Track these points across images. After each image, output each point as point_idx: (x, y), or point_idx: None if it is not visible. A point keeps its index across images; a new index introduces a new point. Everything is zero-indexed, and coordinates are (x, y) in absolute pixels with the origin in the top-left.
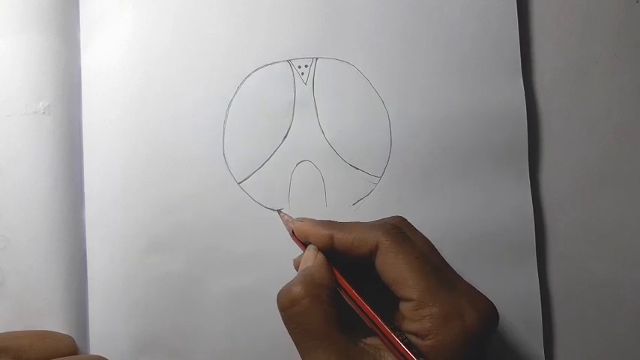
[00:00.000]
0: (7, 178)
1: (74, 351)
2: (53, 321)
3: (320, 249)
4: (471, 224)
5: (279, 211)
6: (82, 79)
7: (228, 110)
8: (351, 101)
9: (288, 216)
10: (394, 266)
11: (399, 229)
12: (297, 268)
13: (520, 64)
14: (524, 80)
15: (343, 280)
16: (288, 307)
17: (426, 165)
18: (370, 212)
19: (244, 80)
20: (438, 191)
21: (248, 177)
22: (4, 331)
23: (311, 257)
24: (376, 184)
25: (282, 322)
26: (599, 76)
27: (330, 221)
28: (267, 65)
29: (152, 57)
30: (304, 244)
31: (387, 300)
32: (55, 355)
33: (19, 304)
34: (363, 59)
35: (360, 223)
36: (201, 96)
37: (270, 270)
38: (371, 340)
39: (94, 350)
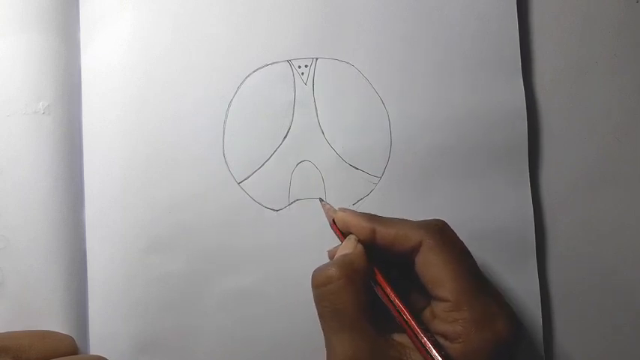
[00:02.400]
0: (7, 178)
1: (74, 351)
2: (53, 321)
3: (360, 241)
4: (471, 224)
5: (320, 199)
6: (82, 79)
7: (228, 110)
8: (351, 101)
9: (330, 205)
10: (435, 266)
11: (443, 231)
12: (331, 258)
13: (520, 64)
14: (524, 80)
15: (379, 274)
16: (323, 284)
17: (425, 165)
18: (370, 212)
19: (244, 80)
20: (437, 191)
21: (248, 177)
22: (4, 330)
23: (350, 246)
24: (376, 184)
25: (282, 322)
26: (599, 76)
27: (372, 215)
28: (267, 65)
29: (152, 57)
30: (343, 235)
31: (415, 299)
32: (55, 355)
33: (19, 304)
34: (363, 59)
35: (402, 219)
36: (201, 96)
37: (270, 270)
38: (398, 337)
39: (94, 350)
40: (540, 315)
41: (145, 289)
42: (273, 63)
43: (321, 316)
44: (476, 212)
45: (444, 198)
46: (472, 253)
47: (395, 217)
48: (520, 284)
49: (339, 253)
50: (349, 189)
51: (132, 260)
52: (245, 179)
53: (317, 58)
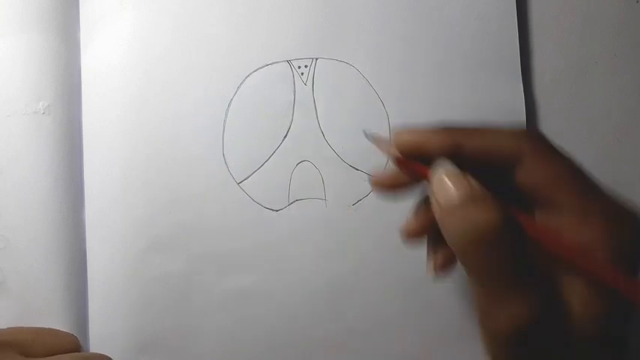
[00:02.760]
0: (7, 178)
1: (77, 348)
2: (53, 320)
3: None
4: None
5: (364, 132)
6: (82, 79)
7: (228, 110)
8: (350, 102)
9: (380, 136)
10: (549, 166)
11: (545, 139)
12: (381, 187)
13: (520, 64)
14: (523, 80)
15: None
16: (485, 238)
17: None
18: (370, 212)
19: (244, 80)
20: None
21: (248, 177)
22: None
23: (462, 183)
24: None
25: (282, 322)
26: (599, 76)
27: (445, 127)
28: (267, 65)
29: (152, 57)
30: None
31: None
32: (58, 351)
33: (19, 303)
34: (363, 60)
35: (487, 128)
36: (201, 96)
37: (270, 270)
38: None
39: (94, 350)
40: None
41: (145, 289)
42: (273, 63)
43: (477, 278)
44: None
45: None
46: None
47: (394, 217)
48: None
49: (440, 195)
50: (349, 189)
51: (132, 260)
52: (245, 179)
53: (317, 59)
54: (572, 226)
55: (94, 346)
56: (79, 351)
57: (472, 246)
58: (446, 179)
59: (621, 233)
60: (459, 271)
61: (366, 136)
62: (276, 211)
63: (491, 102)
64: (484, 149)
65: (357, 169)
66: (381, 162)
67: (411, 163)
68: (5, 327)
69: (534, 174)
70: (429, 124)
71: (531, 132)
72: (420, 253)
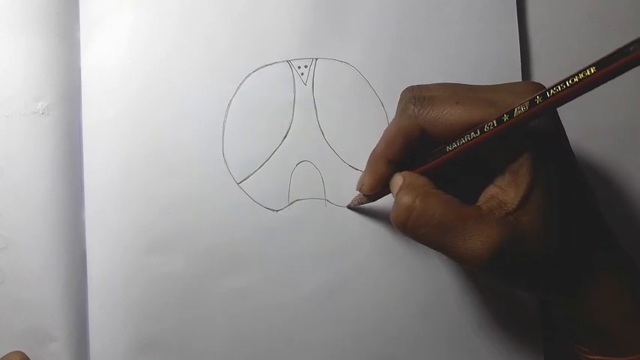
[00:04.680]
0: (7, 179)
1: None
2: (53, 321)
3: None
4: None
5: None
6: (81, 80)
7: (227, 110)
8: (350, 102)
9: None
10: (446, 116)
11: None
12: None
13: (520, 64)
14: (523, 80)
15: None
16: (407, 217)
17: None
18: (370, 212)
19: (244, 80)
20: None
21: (247, 177)
22: (4, 330)
23: (398, 180)
24: None
25: (282, 321)
26: None
27: (372, 156)
28: (266, 65)
29: (152, 57)
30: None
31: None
32: None
33: (19, 303)
34: (363, 60)
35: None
36: (201, 96)
37: (270, 270)
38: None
39: (94, 350)
40: (539, 315)
41: (145, 289)
42: (273, 63)
43: (429, 244)
44: None
45: None
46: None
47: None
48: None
49: (396, 190)
50: (349, 189)
51: (131, 260)
52: (245, 179)
53: (317, 59)
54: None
55: (94, 346)
56: None
57: (403, 226)
58: (392, 186)
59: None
60: (457, 272)
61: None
62: (276, 211)
63: None
64: (399, 145)
65: (357, 169)
66: None
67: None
68: (4, 327)
69: (437, 128)
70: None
71: (407, 104)
72: (419, 253)
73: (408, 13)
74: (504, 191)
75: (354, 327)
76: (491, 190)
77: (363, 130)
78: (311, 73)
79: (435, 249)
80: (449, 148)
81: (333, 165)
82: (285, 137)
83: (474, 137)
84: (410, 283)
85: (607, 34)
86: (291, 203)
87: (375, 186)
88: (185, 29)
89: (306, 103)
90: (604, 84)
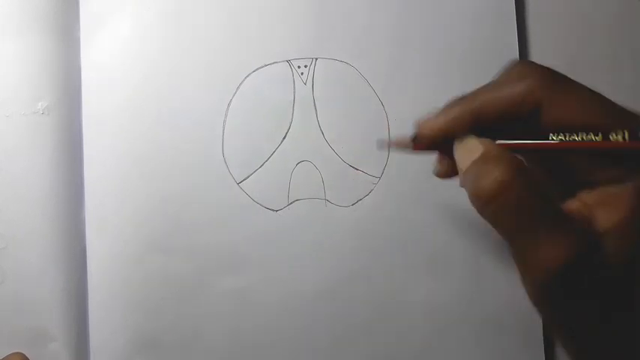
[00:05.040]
0: (7, 178)
1: None
2: (53, 320)
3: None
4: (471, 223)
5: (378, 141)
6: (81, 79)
7: (227, 110)
8: (350, 101)
9: (400, 140)
10: (569, 99)
11: (554, 71)
12: (442, 175)
13: None
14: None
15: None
16: (497, 193)
17: (425, 165)
18: (370, 212)
19: (244, 80)
20: (437, 191)
21: (247, 177)
22: (4, 329)
23: (476, 146)
24: (375, 184)
25: (282, 321)
26: (599, 76)
27: (458, 105)
28: (266, 65)
29: (152, 57)
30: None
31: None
32: None
33: (19, 303)
34: (363, 60)
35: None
36: (201, 96)
37: (270, 270)
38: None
39: (94, 350)
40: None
41: (145, 287)
42: (273, 63)
43: (506, 231)
44: (475, 212)
45: (444, 197)
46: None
47: (394, 217)
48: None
49: (466, 161)
50: (349, 189)
51: (132, 260)
52: (244, 179)
53: (316, 58)
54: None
55: (94, 346)
56: None
57: (486, 202)
58: (461, 148)
59: None
60: (457, 272)
61: (381, 144)
62: (276, 211)
63: None
64: (502, 109)
65: (357, 169)
66: (382, 161)
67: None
68: (4, 327)
69: (559, 111)
70: (444, 105)
71: (538, 70)
72: (419, 252)
73: (407, 13)
74: (591, 209)
75: (353, 326)
76: (572, 205)
77: (363, 130)
78: (311, 72)
79: (509, 238)
80: (554, 137)
81: (333, 165)
82: (285, 137)
83: (593, 140)
84: (410, 281)
85: (607, 34)
86: (291, 203)
87: (443, 130)
88: (185, 29)
89: (306, 102)
90: (604, 80)
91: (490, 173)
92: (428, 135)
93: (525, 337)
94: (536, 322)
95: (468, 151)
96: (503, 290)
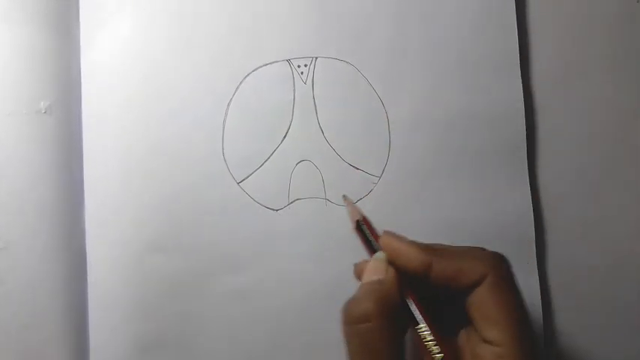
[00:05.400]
0: (7, 178)
1: None
2: (53, 321)
3: (408, 273)
4: (471, 223)
5: (344, 196)
6: (82, 79)
7: (227, 110)
8: (350, 101)
9: (356, 206)
10: (496, 305)
11: (507, 267)
12: (358, 274)
13: (519, 63)
14: (522, 80)
15: (419, 306)
16: (357, 321)
17: (425, 164)
18: (370, 212)
19: (244, 79)
20: (436, 190)
21: (248, 176)
22: (3, 330)
23: (381, 269)
24: (376, 183)
25: (282, 321)
26: (599, 76)
27: (425, 245)
28: (266, 65)
29: (152, 57)
30: (370, 248)
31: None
32: None
33: (19, 304)
34: (363, 59)
35: (461, 248)
36: (201, 95)
37: (270, 270)
38: None
39: (94, 350)
40: (541, 314)
41: (145, 289)
42: (273, 62)
43: (351, 353)
44: (475, 211)
45: (443, 197)
46: None
47: (394, 216)
48: (520, 283)
49: (368, 276)
50: (349, 188)
51: (132, 260)
52: (245, 179)
53: (316, 58)
54: (490, 358)
55: (94, 346)
56: None
57: (345, 322)
58: (374, 261)
59: None
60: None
61: (343, 198)
62: (277, 210)
63: (490, 102)
64: (452, 271)
65: (357, 168)
66: (382, 160)
67: (363, 238)
68: (4, 327)
69: (481, 303)
70: (413, 240)
71: (498, 258)
72: None
73: (407, 12)
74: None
75: None
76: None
77: (363, 129)
78: (311, 72)
79: (349, 356)
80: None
81: (334, 164)
82: (285, 136)
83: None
84: None
85: (607, 34)
86: (291, 202)
87: (397, 250)
88: (185, 28)
89: (306, 102)
90: (604, 80)
91: (364, 300)
92: (386, 247)
93: None
94: (536, 321)
95: (374, 269)
96: None
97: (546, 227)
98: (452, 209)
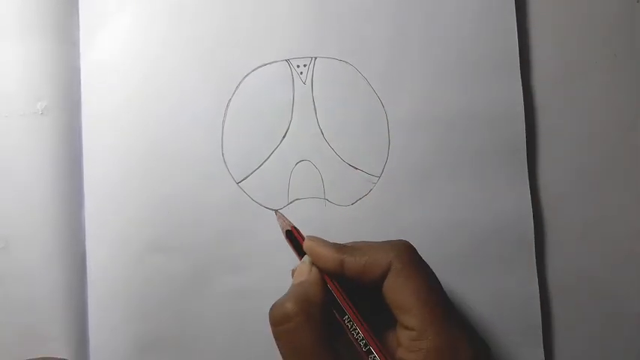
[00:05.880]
0: (7, 179)
1: None
2: (52, 321)
3: (328, 273)
4: (470, 224)
5: (276, 211)
6: (81, 79)
7: (227, 110)
8: (349, 101)
9: (285, 218)
10: (402, 291)
11: (411, 252)
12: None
13: (518, 63)
14: (522, 80)
15: (342, 299)
16: (280, 323)
17: (424, 164)
18: (369, 212)
19: (243, 80)
20: (436, 190)
21: (247, 177)
22: (4, 330)
23: (305, 271)
24: (375, 183)
25: None
26: (599, 76)
27: (341, 245)
28: (265, 65)
29: (151, 57)
30: (299, 253)
31: (380, 322)
32: None
33: (19, 304)
34: (362, 59)
35: (369, 243)
36: (200, 96)
37: (270, 270)
38: None
39: (94, 350)
40: (540, 314)
41: (145, 288)
42: (272, 62)
43: (282, 354)
44: (475, 212)
45: (443, 197)
46: (471, 253)
47: (395, 217)
48: (519, 283)
49: (296, 279)
50: (348, 188)
51: (132, 260)
52: (244, 179)
53: (316, 58)
54: (408, 344)
55: (94, 346)
56: None
57: (272, 324)
58: (301, 266)
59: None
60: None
61: (275, 212)
62: (276, 210)
63: (489, 102)
64: (360, 266)
65: (357, 168)
66: (381, 160)
67: (292, 245)
68: (4, 327)
69: (391, 290)
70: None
71: (401, 245)
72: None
73: (407, 12)
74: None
75: None
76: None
77: (362, 129)
78: (310, 72)
79: (282, 358)
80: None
81: (333, 164)
82: (284, 136)
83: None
84: None
85: (607, 34)
86: (291, 202)
87: (321, 256)
88: (184, 29)
89: (306, 102)
90: (604, 80)
91: (286, 302)
92: (308, 250)
93: (525, 337)
94: (536, 321)
95: (300, 272)
96: (503, 288)
97: (546, 227)
98: (451, 209)
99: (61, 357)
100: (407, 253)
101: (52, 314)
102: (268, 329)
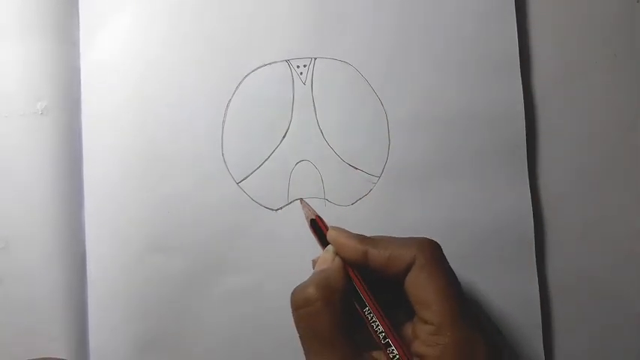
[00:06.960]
0: (7, 179)
1: None
2: (52, 321)
3: (351, 263)
4: (470, 224)
5: (301, 199)
6: (81, 79)
7: (227, 110)
8: (349, 101)
9: (310, 207)
10: (425, 287)
11: (435, 249)
12: (315, 267)
13: (519, 63)
14: (523, 80)
15: (361, 289)
16: (301, 306)
17: (424, 164)
18: (369, 212)
19: (243, 80)
20: (436, 190)
21: (247, 177)
22: (4, 330)
23: (329, 259)
24: (375, 183)
25: (282, 321)
26: (599, 76)
27: (364, 236)
28: (265, 65)
29: (151, 57)
30: (322, 243)
31: (399, 318)
32: None
33: (19, 304)
34: (362, 59)
35: (393, 238)
36: (200, 96)
37: (270, 270)
38: (377, 354)
39: (93, 350)
40: (540, 314)
41: (145, 288)
42: (272, 63)
43: (301, 337)
44: (475, 212)
45: (443, 197)
46: (471, 252)
47: (393, 216)
48: (519, 283)
49: (318, 266)
50: (348, 188)
51: (132, 260)
52: (244, 179)
53: (315, 58)
54: (426, 338)
55: (94, 346)
56: None
57: (294, 308)
58: (325, 254)
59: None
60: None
61: (300, 201)
62: (276, 210)
63: (490, 101)
64: (384, 258)
65: (357, 168)
66: (381, 160)
67: (316, 234)
68: (4, 327)
69: (413, 285)
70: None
71: (427, 243)
72: None
73: (407, 12)
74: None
75: None
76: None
77: (362, 129)
78: (310, 72)
79: (301, 342)
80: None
81: (333, 164)
82: (284, 137)
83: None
84: None
85: (607, 34)
86: (291, 202)
87: (345, 246)
88: (184, 29)
89: (305, 102)
90: (604, 80)
91: (308, 286)
92: (331, 240)
93: (525, 337)
94: (536, 321)
95: (323, 260)
96: (502, 287)
97: (546, 227)
98: (451, 209)
99: (61, 357)
100: (431, 249)
101: (52, 314)
102: (269, 329)
